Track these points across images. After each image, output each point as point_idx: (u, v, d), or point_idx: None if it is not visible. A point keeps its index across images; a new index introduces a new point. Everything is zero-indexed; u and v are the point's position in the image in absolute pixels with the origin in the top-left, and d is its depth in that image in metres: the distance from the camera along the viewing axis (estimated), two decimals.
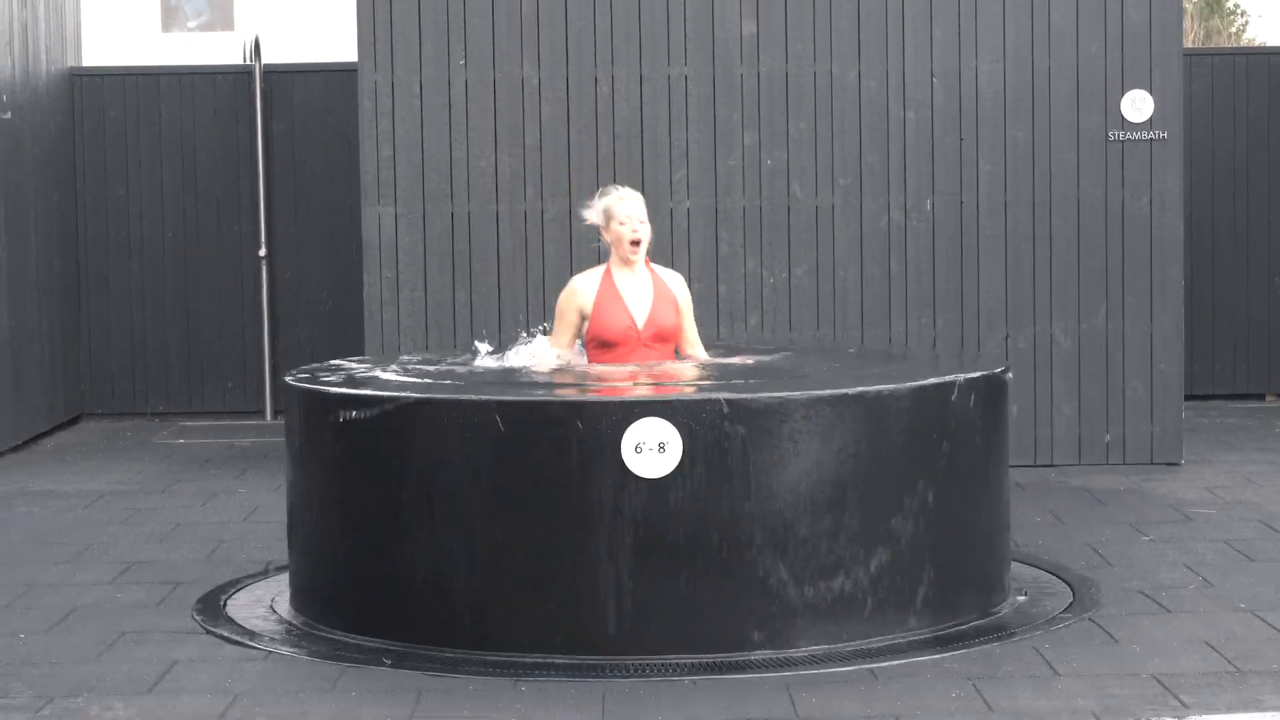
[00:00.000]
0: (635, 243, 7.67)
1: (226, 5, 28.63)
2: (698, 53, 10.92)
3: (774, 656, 6.58)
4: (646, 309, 7.68)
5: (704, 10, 10.91)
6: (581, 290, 7.71)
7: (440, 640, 6.73)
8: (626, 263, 7.71)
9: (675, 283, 7.90)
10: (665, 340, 7.74)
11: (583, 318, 7.68)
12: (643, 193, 10.79)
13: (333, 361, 8.34)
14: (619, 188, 7.83)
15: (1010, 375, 7.49)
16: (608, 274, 7.72)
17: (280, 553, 8.28)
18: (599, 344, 7.67)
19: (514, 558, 6.63)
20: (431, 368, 7.98)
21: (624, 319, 7.64)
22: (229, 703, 6.21)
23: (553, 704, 6.15)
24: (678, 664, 6.51)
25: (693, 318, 7.99)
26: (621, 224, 7.66)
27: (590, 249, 10.86)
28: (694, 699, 6.18)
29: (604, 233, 7.75)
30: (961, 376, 7.12)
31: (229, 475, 11.18)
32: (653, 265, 7.84)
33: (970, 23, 10.93)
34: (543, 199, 10.96)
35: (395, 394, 7.00)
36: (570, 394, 7.02)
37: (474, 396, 6.80)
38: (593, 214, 7.82)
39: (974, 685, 6.27)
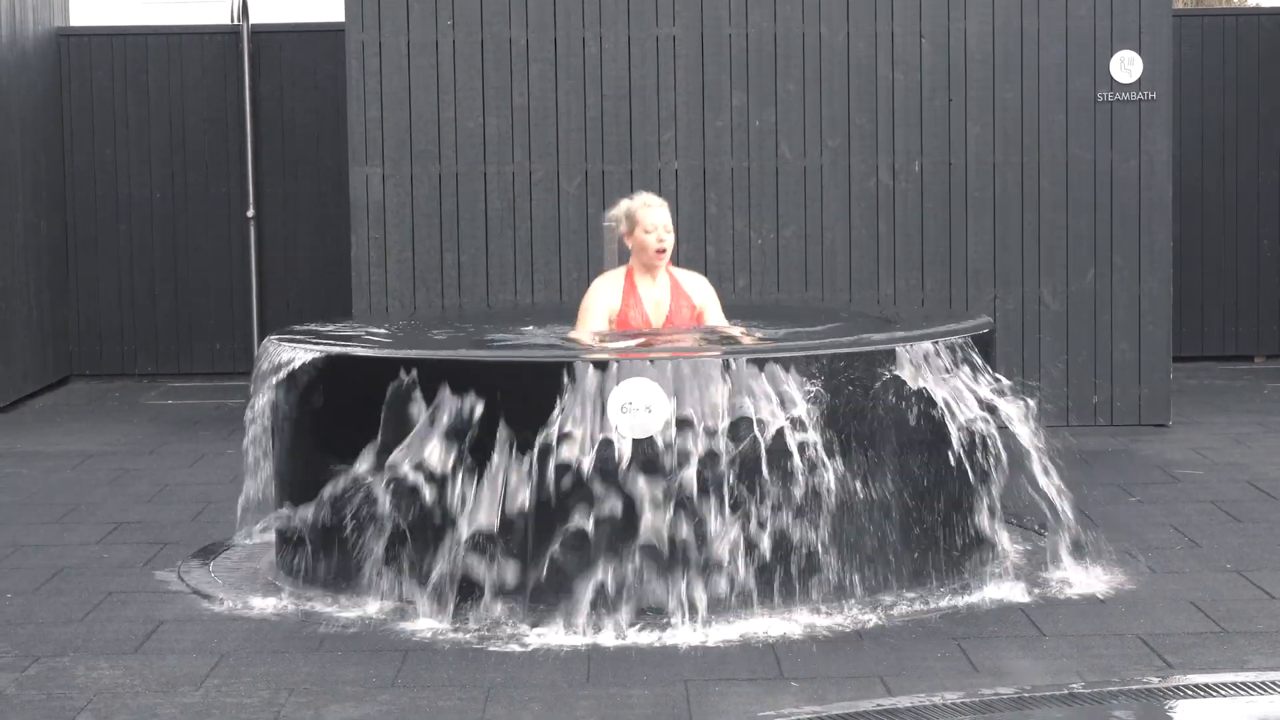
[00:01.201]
0: (660, 251, 7.52)
1: None
2: (686, 13, 10.89)
3: (761, 617, 6.58)
4: (663, 317, 7.55)
5: None
6: (609, 293, 7.55)
7: (426, 601, 6.72)
8: (649, 269, 7.58)
9: (695, 285, 7.74)
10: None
11: (609, 320, 7.53)
12: (630, 153, 10.85)
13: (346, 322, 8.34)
14: (644, 194, 7.69)
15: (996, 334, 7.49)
16: (630, 280, 7.58)
17: (268, 513, 8.27)
18: None
19: (497, 519, 6.62)
20: (419, 327, 7.97)
21: (643, 329, 7.53)
22: (215, 662, 6.22)
23: (538, 666, 6.15)
24: (664, 624, 6.51)
25: (719, 308, 7.78)
26: (647, 232, 7.49)
27: (577, 211, 10.86)
28: (680, 661, 6.18)
29: (626, 238, 7.58)
30: (947, 337, 7.12)
31: (217, 436, 11.17)
32: (673, 270, 7.73)
33: None
34: (530, 160, 10.94)
35: (379, 354, 6.99)
36: (554, 354, 7.00)
37: (458, 355, 6.80)
38: (615, 216, 7.68)
39: (959, 645, 6.28)
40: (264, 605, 6.97)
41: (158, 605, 7.01)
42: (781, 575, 6.63)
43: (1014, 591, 6.97)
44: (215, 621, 6.76)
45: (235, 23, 14.10)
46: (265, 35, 14.03)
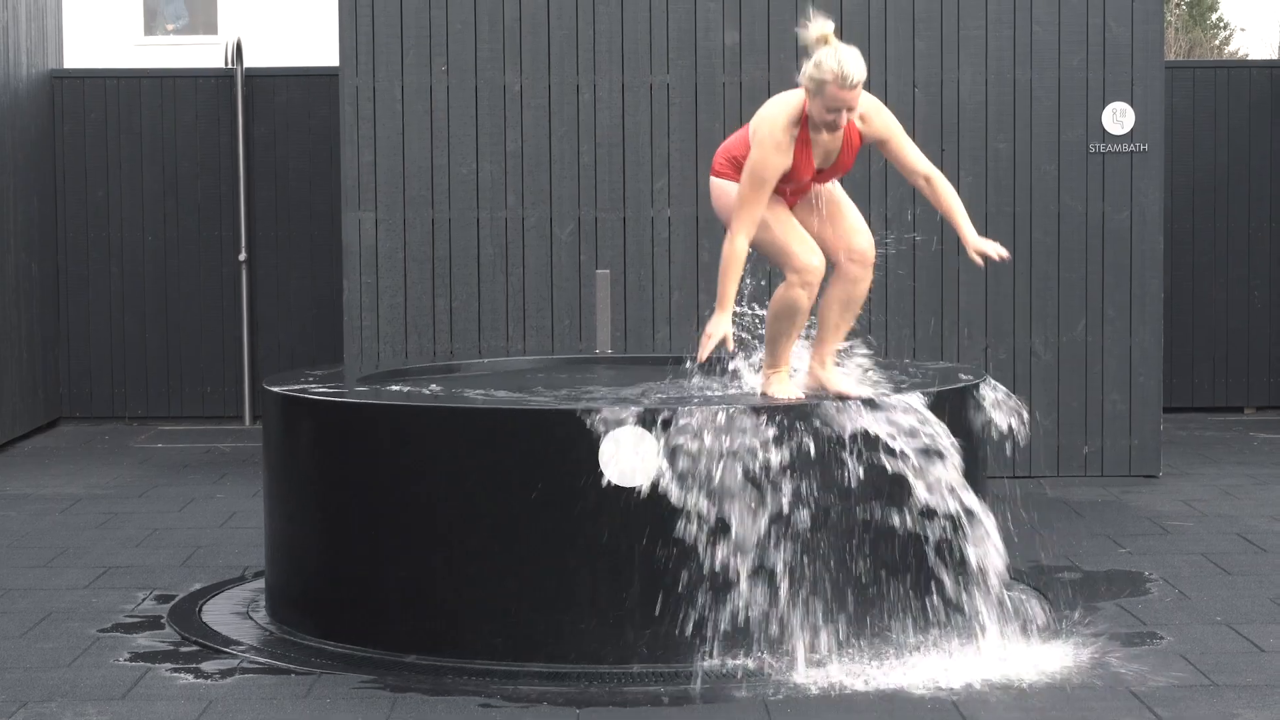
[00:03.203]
0: (828, 129, 6.89)
1: (209, 9, 28.62)
2: (680, 61, 10.92)
3: (751, 669, 6.56)
4: (831, 160, 7.06)
5: (686, 19, 10.91)
6: (784, 150, 6.88)
7: (415, 648, 6.71)
8: None
9: (873, 116, 7.08)
10: (828, 178, 7.18)
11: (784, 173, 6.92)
12: (623, 201, 10.86)
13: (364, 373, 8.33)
14: (846, 59, 6.86)
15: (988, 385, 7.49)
16: (805, 129, 6.96)
17: (257, 559, 8.26)
18: None
19: (491, 565, 6.62)
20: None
21: (806, 174, 7.03)
22: (203, 709, 6.20)
23: (528, 715, 6.13)
24: (656, 674, 6.50)
25: (902, 135, 7.12)
26: (828, 110, 6.83)
27: (569, 257, 10.87)
28: (670, 714, 6.16)
29: (807, 91, 6.88)
30: (942, 388, 7.12)
31: (207, 480, 11.15)
32: None
33: (952, 34, 10.93)
34: (523, 206, 10.95)
35: (372, 400, 6.99)
36: (547, 403, 7.01)
37: (452, 404, 6.80)
38: (807, 41, 6.96)
39: (952, 702, 6.26)
40: (254, 651, 6.94)
41: (146, 650, 6.98)
42: (769, 628, 6.63)
43: (1004, 644, 6.96)
44: (204, 667, 6.74)
45: (229, 66, 14.13)
46: (259, 79, 14.06)
